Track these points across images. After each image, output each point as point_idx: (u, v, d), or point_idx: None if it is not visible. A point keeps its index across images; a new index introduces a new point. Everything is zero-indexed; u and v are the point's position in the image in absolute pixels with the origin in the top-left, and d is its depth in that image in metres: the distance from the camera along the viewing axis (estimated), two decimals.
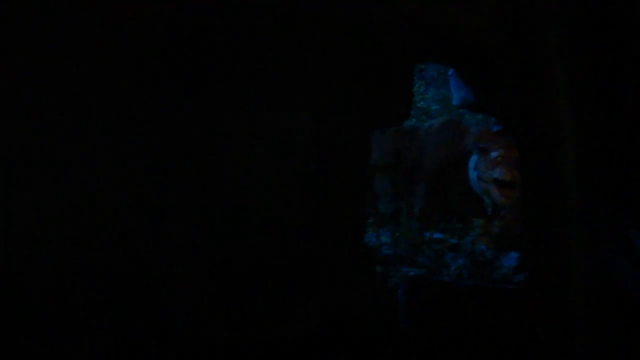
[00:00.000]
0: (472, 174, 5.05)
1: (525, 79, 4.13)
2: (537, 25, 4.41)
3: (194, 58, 3.58)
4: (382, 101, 4.25)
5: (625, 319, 4.03)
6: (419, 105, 6.62)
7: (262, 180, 3.64)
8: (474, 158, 5.07)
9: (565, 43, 4.06)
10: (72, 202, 3.25)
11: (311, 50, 3.81)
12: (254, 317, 3.58)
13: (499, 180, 4.90)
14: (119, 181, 3.39)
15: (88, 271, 3.29)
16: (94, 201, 3.31)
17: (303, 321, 3.69)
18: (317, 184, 3.86)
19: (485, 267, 4.52)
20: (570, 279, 3.54)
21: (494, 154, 4.94)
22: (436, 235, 4.94)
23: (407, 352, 3.75)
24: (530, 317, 3.58)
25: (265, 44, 3.71)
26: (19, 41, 3.22)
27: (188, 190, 3.55)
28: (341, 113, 3.92)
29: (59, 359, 3.15)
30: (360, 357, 3.50)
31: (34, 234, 3.21)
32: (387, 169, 5.22)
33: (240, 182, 3.58)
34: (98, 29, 3.37)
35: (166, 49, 3.53)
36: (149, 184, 3.48)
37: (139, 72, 3.46)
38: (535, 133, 3.72)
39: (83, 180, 3.29)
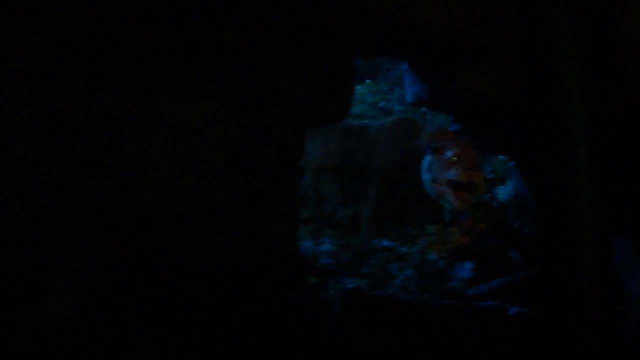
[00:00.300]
0: (426, 176, 4.56)
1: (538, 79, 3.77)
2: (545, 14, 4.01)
3: (107, 48, 3.09)
4: (317, 96, 3.77)
5: None
6: (380, 105, 6.11)
7: (175, 177, 3.13)
8: (427, 159, 4.58)
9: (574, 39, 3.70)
10: None
11: (232, 36, 3.32)
12: (151, 328, 3.07)
13: (453, 182, 4.42)
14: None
15: None
16: None
17: (216, 338, 3.18)
18: (240, 184, 3.36)
19: (436, 278, 4.01)
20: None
21: (448, 154, 4.46)
22: (385, 243, 4.43)
23: None
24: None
25: (181, 30, 3.22)
26: None
27: (93, 184, 3.03)
28: (267, 107, 3.44)
29: None
30: None
31: None
32: (334, 170, 4.71)
33: (149, 182, 3.07)
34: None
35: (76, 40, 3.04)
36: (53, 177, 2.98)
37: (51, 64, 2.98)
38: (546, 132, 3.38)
39: None
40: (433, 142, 4.55)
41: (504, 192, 5.03)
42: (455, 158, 4.39)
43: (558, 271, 3.13)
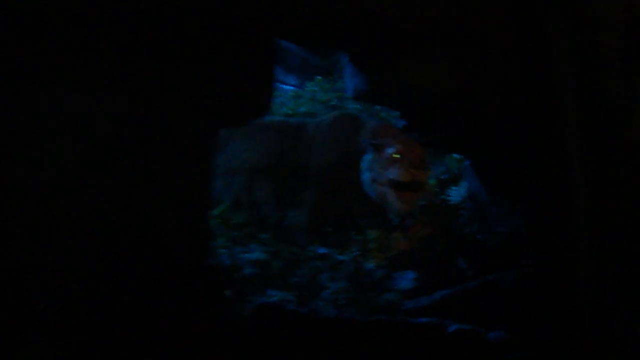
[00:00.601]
0: (366, 176, 4.03)
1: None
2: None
3: None
4: (232, 92, 3.25)
5: None
6: (332, 103, 5.57)
7: (65, 179, 2.62)
8: (367, 157, 4.05)
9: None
10: None
11: (134, 19, 2.83)
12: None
13: (395, 182, 3.88)
14: None
15: None
16: None
17: None
18: (142, 188, 2.85)
19: (371, 290, 3.47)
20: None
21: (389, 151, 3.92)
22: (321, 250, 3.89)
23: None
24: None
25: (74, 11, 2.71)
26: None
27: None
28: (175, 103, 2.95)
29: None
30: None
31: None
32: (268, 171, 4.17)
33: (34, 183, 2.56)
34: None
35: None
36: None
37: None
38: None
39: None
40: (374, 138, 4.02)
41: (457, 193, 4.50)
42: (398, 155, 3.85)
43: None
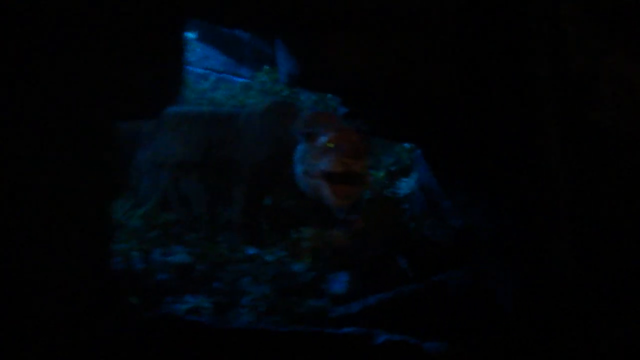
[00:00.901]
0: (298, 169, 3.56)
1: None
2: None
3: None
4: (130, 81, 2.86)
5: None
6: (284, 94, 5.10)
7: None
8: (299, 148, 3.57)
9: None
10: None
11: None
12: None
13: (328, 174, 3.41)
14: None
15: None
16: None
17: None
18: (32, 187, 2.54)
19: (297, 294, 3.00)
20: None
21: (322, 140, 3.44)
22: (250, 251, 3.42)
23: None
24: None
25: None
26: None
27: None
28: (66, 92, 2.55)
29: None
30: None
31: None
32: (196, 166, 3.70)
33: None
34: None
35: None
36: None
37: None
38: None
39: None
40: (307, 127, 3.54)
41: (406, 185, 4.03)
42: (331, 144, 3.37)
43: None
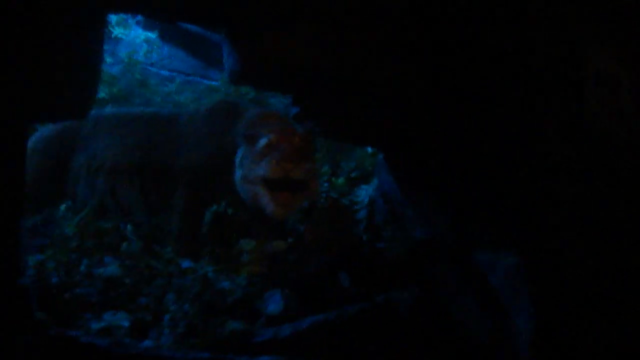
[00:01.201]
0: (237, 174, 3.16)
1: None
2: None
3: None
4: (39, 79, 2.53)
5: None
6: (250, 96, 4.72)
7: None
8: (239, 151, 3.18)
9: None
10: None
11: None
12: None
13: (266, 180, 3.01)
14: None
15: None
16: None
17: None
18: None
19: (224, 314, 2.61)
20: None
21: (262, 142, 3.06)
22: (186, 264, 3.04)
23: None
24: None
25: None
26: None
27: None
28: None
29: None
30: None
31: None
32: (132, 171, 3.32)
33: None
34: None
35: None
36: None
37: None
38: None
39: None
40: (248, 129, 3.15)
41: (365, 193, 3.63)
42: (270, 146, 2.97)
43: None
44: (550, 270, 2.83)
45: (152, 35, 4.70)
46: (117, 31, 4.57)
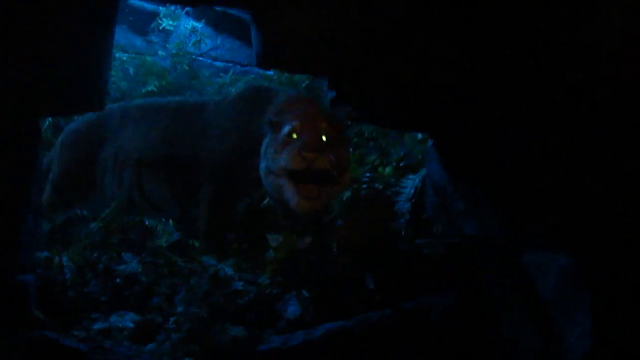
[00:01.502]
0: (262, 165, 2.84)
1: None
2: None
3: None
4: (47, 74, 2.36)
5: None
6: (303, 85, 4.37)
7: None
8: (265, 141, 2.84)
9: None
10: None
11: None
12: None
13: (289, 171, 2.67)
14: None
15: None
16: None
17: None
18: None
19: (233, 317, 2.30)
20: None
21: (285, 129, 2.72)
22: (209, 262, 2.76)
23: None
24: None
25: None
26: None
27: None
28: None
29: None
30: None
31: None
32: (158, 164, 3.09)
33: None
34: None
35: None
36: None
37: None
38: None
39: None
40: (275, 115, 2.82)
41: (412, 183, 3.19)
42: (295, 135, 2.63)
43: None
44: (613, 274, 2.29)
45: (197, 24, 4.51)
46: (165, 23, 4.45)
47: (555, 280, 2.40)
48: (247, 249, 2.95)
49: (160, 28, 4.50)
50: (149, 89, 4.36)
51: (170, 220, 3.26)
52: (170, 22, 4.40)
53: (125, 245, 3.05)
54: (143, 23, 4.68)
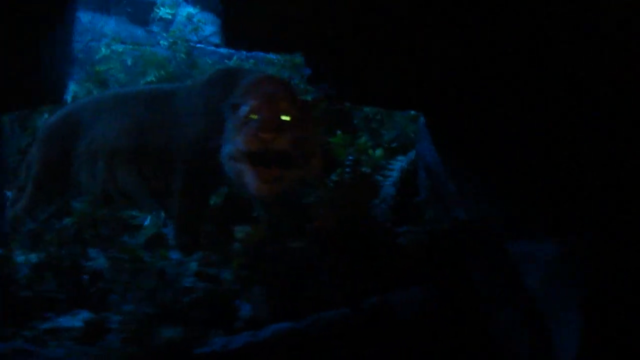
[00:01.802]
0: (223, 152, 2.57)
1: None
2: None
3: None
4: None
5: None
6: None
7: None
8: (227, 124, 2.57)
9: None
10: None
11: None
12: None
13: (247, 154, 2.40)
14: None
15: None
16: None
17: None
18: None
19: (178, 316, 2.07)
20: None
21: (244, 110, 2.45)
22: (174, 256, 2.55)
23: None
24: None
25: None
26: None
27: None
28: None
29: None
30: None
31: None
32: (130, 155, 2.89)
33: None
34: None
35: None
36: None
37: None
38: None
39: None
40: (239, 97, 2.55)
41: (400, 166, 2.86)
42: (254, 116, 2.37)
43: None
44: (607, 270, 1.91)
45: (193, 11, 4.30)
46: (162, 11, 4.28)
47: (541, 273, 2.06)
48: (218, 242, 2.74)
49: (158, 17, 4.35)
50: (148, 79, 4.22)
51: (151, 214, 3.11)
52: (168, 11, 4.24)
53: (98, 240, 2.91)
54: (143, 13, 4.56)
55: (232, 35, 2.60)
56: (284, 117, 2.40)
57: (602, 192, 2.10)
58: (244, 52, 5.08)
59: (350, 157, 2.95)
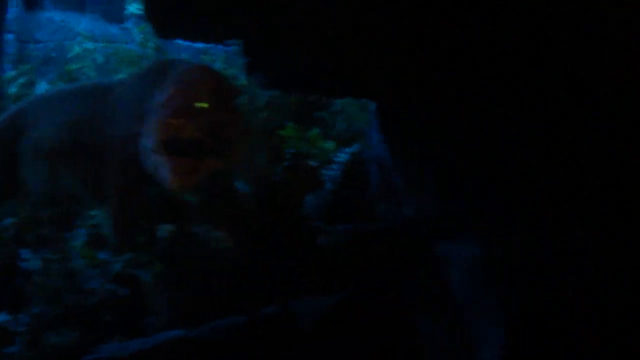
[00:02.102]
0: (141, 145, 2.39)
1: None
2: None
3: None
4: None
5: None
6: None
7: None
8: (148, 117, 2.40)
9: None
10: None
11: None
12: None
13: (160, 144, 2.24)
14: None
15: None
16: None
17: None
18: None
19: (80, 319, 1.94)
20: None
21: (159, 99, 2.30)
22: (101, 256, 2.42)
23: None
24: None
25: None
26: None
27: None
28: None
29: None
30: None
31: None
32: (67, 152, 2.77)
33: None
34: None
35: None
36: None
37: None
38: None
39: None
40: (165, 89, 2.39)
41: (345, 158, 2.64)
42: (166, 102, 2.20)
43: None
44: (534, 274, 1.66)
45: None
46: (133, 7, 4.16)
47: (460, 277, 1.82)
48: (151, 242, 2.60)
49: (130, 14, 4.25)
50: (120, 77, 4.12)
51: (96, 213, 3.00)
52: (138, 6, 4.14)
53: (39, 241, 2.82)
54: (118, 10, 4.47)
55: (159, 27, 2.49)
56: (203, 105, 2.24)
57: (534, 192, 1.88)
58: (220, 47, 4.94)
59: (292, 150, 2.78)
